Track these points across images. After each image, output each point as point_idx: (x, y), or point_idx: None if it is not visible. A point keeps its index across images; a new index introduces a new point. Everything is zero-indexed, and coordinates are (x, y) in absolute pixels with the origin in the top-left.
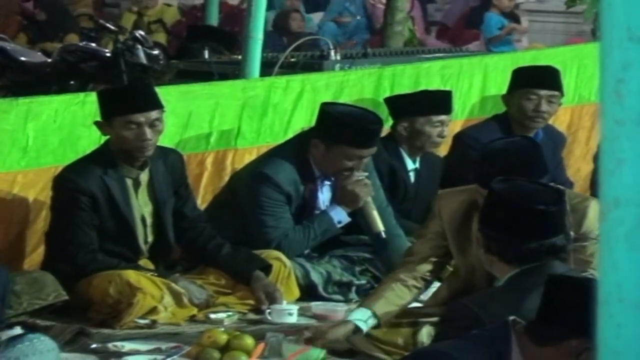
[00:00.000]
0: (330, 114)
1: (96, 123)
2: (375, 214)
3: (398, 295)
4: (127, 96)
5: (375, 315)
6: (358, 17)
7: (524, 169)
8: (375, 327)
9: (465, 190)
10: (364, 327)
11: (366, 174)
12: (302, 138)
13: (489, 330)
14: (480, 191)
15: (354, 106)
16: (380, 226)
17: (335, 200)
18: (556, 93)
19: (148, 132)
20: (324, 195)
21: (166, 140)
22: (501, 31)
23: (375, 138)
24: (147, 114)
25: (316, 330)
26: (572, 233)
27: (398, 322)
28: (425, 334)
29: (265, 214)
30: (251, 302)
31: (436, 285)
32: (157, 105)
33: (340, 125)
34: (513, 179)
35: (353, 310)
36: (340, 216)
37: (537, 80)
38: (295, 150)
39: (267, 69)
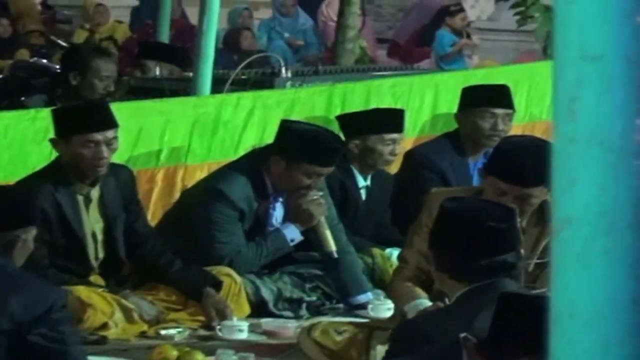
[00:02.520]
0: (293, 131)
1: (51, 140)
2: (327, 234)
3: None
4: (85, 115)
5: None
6: (300, 41)
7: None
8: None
9: (462, 191)
10: None
11: (321, 193)
12: (256, 155)
13: (440, 349)
14: (499, 184)
15: (315, 125)
16: (332, 246)
17: (288, 218)
18: (511, 111)
19: (105, 150)
20: (277, 213)
21: (116, 156)
22: (453, 48)
23: (337, 157)
24: (104, 133)
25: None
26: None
27: (354, 333)
28: (380, 353)
29: (218, 230)
30: (202, 318)
31: None
32: (114, 124)
33: (303, 143)
34: (463, 197)
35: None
36: (293, 234)
37: (493, 99)
38: (249, 166)
39: (218, 86)
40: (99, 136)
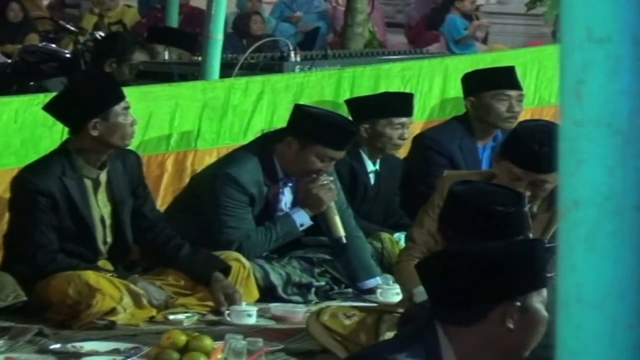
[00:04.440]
0: (308, 113)
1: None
2: (337, 219)
3: None
4: (114, 85)
5: None
6: (299, 13)
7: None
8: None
9: (475, 174)
10: None
11: (331, 178)
12: (267, 139)
13: (419, 326)
14: (513, 169)
15: (328, 110)
16: (341, 231)
17: (298, 202)
18: (522, 92)
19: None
20: (286, 197)
21: None
22: (468, 31)
23: (350, 141)
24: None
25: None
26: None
27: (363, 317)
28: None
29: (227, 215)
30: (210, 303)
31: None
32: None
33: (319, 125)
34: (472, 181)
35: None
36: (302, 219)
37: (505, 81)
38: (259, 150)
39: (227, 70)
40: (126, 103)
